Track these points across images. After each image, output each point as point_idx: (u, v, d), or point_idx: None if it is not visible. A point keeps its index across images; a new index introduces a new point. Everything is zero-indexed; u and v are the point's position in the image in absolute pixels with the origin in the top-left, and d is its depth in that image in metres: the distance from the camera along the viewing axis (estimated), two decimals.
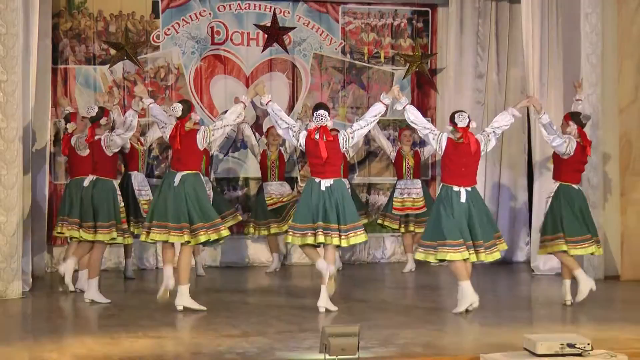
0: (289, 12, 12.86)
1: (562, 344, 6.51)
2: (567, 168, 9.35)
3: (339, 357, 6.48)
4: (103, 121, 9.56)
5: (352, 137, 9.11)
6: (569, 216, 9.30)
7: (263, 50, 12.73)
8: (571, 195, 9.34)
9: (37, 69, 10.64)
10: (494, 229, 9.16)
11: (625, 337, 7.54)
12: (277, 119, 9.15)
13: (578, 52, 11.11)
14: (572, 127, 9.40)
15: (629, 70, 11.18)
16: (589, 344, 6.55)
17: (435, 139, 9.08)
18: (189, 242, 8.96)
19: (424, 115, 12.91)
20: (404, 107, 9.27)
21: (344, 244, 8.96)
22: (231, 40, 12.73)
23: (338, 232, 8.87)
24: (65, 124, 10.55)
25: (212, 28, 12.65)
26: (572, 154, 9.25)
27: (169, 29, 12.52)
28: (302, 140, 9.03)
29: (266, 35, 12.69)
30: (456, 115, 9.11)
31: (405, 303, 9.56)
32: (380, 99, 9.28)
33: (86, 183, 9.63)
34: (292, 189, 12.27)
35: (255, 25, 12.72)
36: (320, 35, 12.98)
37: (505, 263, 12.81)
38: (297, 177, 12.65)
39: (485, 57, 13.05)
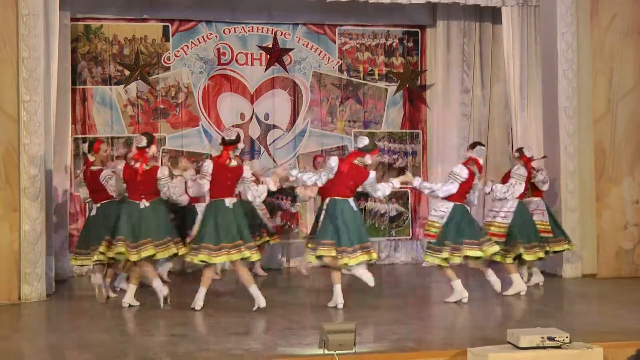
0: (289, 34, 12.89)
1: (542, 337, 6.52)
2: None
3: (337, 352, 6.48)
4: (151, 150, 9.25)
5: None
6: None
7: (266, 70, 12.76)
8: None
9: (57, 89, 10.67)
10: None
11: (601, 330, 7.54)
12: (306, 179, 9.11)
13: (555, 68, 11.13)
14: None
15: (602, 84, 11.19)
16: (567, 337, 6.56)
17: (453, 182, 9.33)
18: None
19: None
20: (419, 185, 9.49)
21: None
22: (236, 60, 12.75)
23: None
24: (88, 151, 10.18)
25: (218, 49, 12.68)
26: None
27: (178, 51, 12.55)
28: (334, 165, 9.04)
29: (268, 56, 12.74)
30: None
31: (397, 302, 9.54)
32: (392, 182, 9.31)
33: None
34: None
35: (258, 46, 12.75)
36: (319, 54, 12.99)
37: (491, 262, 12.81)
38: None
39: (471, 74, 13.08)
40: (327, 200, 9.06)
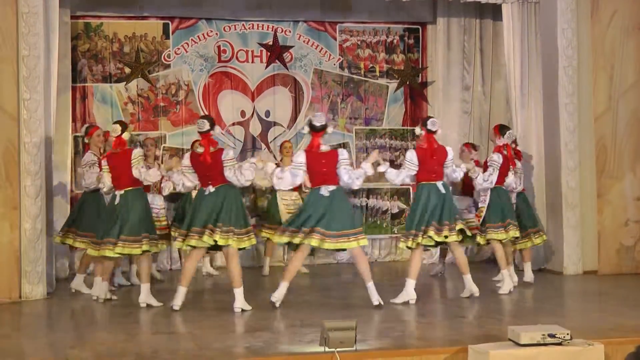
0: (290, 31, 12.88)
1: (543, 334, 6.51)
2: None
3: (337, 349, 6.48)
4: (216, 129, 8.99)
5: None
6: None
7: (267, 67, 12.76)
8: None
9: (57, 87, 10.65)
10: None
11: (602, 327, 7.53)
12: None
13: (556, 64, 11.12)
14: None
15: (603, 80, 11.18)
16: (568, 334, 6.55)
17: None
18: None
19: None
20: (385, 171, 9.24)
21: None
22: (237, 58, 12.74)
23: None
24: (85, 134, 10.29)
25: (218, 47, 12.67)
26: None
27: (178, 49, 12.54)
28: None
29: (269, 53, 12.73)
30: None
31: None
32: (362, 166, 9.06)
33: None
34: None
35: (259, 43, 12.75)
36: (320, 51, 12.99)
37: (492, 260, 12.81)
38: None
39: (471, 71, 13.08)
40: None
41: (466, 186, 10.56)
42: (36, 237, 9.69)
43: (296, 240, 8.78)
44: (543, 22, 11.51)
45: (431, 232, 9.01)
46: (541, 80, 11.58)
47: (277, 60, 12.78)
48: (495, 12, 12.83)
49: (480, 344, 6.66)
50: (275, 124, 12.79)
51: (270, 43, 12.77)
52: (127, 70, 12.29)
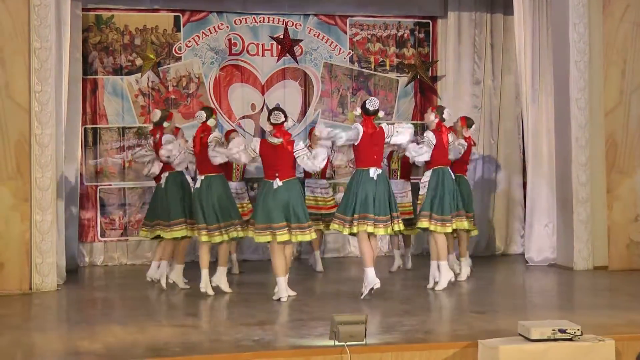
0: (300, 25, 12.87)
1: (554, 330, 6.49)
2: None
3: (347, 343, 6.48)
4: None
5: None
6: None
7: (278, 60, 12.75)
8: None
9: (68, 79, 10.69)
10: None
11: (613, 322, 7.50)
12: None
13: (567, 59, 11.07)
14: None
15: (614, 75, 11.12)
16: (578, 329, 6.53)
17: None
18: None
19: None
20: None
21: None
22: (247, 51, 12.73)
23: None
24: (162, 121, 9.95)
25: (229, 40, 12.66)
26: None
27: (189, 41, 12.54)
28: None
29: (279, 46, 12.73)
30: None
31: (407, 293, 9.53)
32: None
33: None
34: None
35: (270, 36, 12.74)
36: (330, 45, 12.97)
37: (502, 255, 12.82)
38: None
39: (482, 65, 13.04)
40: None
41: (405, 169, 10.82)
42: (47, 228, 9.71)
43: (354, 230, 8.95)
44: (554, 16, 11.46)
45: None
46: (552, 74, 11.54)
47: (287, 54, 12.77)
48: (506, 6, 12.79)
49: (490, 338, 6.64)
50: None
51: (281, 36, 12.76)
52: (138, 62, 12.29)
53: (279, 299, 8.84)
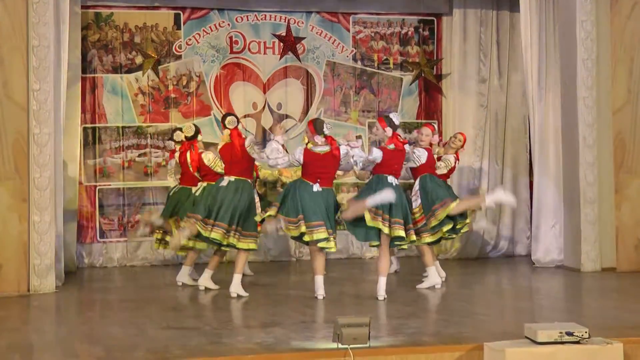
0: (302, 22, 12.84)
1: (561, 332, 6.45)
2: None
3: (351, 346, 6.44)
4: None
5: None
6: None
7: (280, 58, 12.73)
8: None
9: (67, 78, 10.68)
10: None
11: (621, 325, 7.46)
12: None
13: (574, 57, 11.03)
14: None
15: (622, 73, 11.08)
16: (586, 332, 6.49)
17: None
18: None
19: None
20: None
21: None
22: (249, 49, 12.71)
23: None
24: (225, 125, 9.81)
25: (230, 38, 12.64)
26: None
27: (190, 39, 12.51)
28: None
29: (282, 44, 12.70)
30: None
31: (411, 295, 9.49)
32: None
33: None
34: None
35: (272, 34, 12.72)
36: (333, 43, 12.94)
37: (508, 256, 12.79)
38: None
39: (488, 63, 13.00)
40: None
41: None
42: (45, 229, 9.68)
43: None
44: (561, 14, 11.42)
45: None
46: (559, 73, 11.50)
47: (289, 52, 12.74)
48: (512, 3, 12.76)
49: (496, 341, 6.60)
50: (287, 116, 12.76)
51: (284, 34, 12.73)
52: (138, 60, 12.26)
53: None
